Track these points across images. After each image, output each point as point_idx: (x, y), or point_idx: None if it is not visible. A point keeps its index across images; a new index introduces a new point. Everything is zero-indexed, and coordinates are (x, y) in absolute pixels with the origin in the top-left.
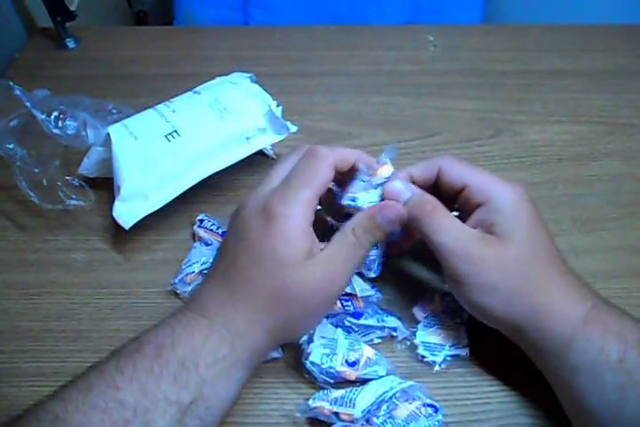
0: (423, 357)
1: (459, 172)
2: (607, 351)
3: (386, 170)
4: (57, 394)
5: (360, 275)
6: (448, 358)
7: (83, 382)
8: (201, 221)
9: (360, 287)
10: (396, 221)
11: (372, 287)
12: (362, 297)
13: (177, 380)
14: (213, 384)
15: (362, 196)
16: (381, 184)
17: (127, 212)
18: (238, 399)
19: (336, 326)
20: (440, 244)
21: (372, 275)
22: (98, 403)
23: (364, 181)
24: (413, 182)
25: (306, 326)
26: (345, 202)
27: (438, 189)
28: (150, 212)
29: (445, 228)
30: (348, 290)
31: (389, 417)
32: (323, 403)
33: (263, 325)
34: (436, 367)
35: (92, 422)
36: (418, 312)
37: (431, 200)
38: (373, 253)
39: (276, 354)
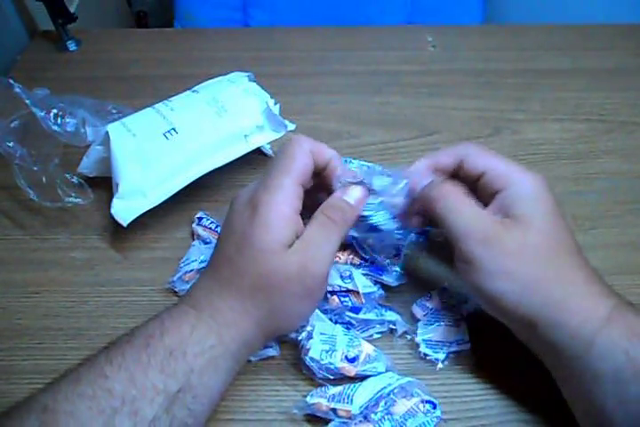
0: (426, 355)
1: (482, 159)
2: (633, 355)
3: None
4: (48, 386)
5: (370, 276)
6: (450, 355)
7: (73, 374)
8: (200, 219)
9: (362, 284)
10: (364, 199)
11: (375, 284)
12: (364, 294)
13: (164, 368)
14: (201, 373)
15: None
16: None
17: (125, 209)
18: (236, 396)
19: (335, 323)
20: (455, 224)
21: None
22: (86, 392)
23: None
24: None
25: (293, 316)
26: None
27: (457, 177)
28: (148, 209)
29: (462, 208)
30: (349, 287)
31: (387, 413)
32: (320, 399)
33: (250, 314)
34: (439, 365)
35: (80, 410)
36: (417, 310)
37: (450, 182)
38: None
39: (273, 352)
